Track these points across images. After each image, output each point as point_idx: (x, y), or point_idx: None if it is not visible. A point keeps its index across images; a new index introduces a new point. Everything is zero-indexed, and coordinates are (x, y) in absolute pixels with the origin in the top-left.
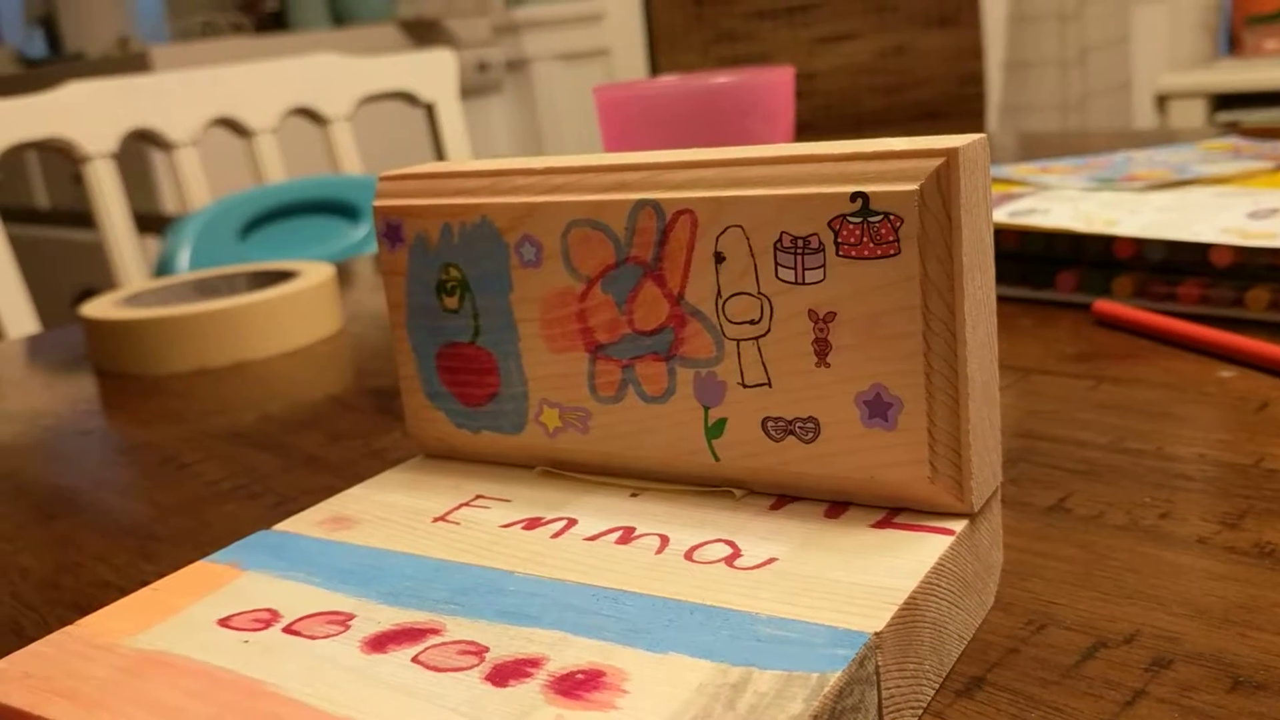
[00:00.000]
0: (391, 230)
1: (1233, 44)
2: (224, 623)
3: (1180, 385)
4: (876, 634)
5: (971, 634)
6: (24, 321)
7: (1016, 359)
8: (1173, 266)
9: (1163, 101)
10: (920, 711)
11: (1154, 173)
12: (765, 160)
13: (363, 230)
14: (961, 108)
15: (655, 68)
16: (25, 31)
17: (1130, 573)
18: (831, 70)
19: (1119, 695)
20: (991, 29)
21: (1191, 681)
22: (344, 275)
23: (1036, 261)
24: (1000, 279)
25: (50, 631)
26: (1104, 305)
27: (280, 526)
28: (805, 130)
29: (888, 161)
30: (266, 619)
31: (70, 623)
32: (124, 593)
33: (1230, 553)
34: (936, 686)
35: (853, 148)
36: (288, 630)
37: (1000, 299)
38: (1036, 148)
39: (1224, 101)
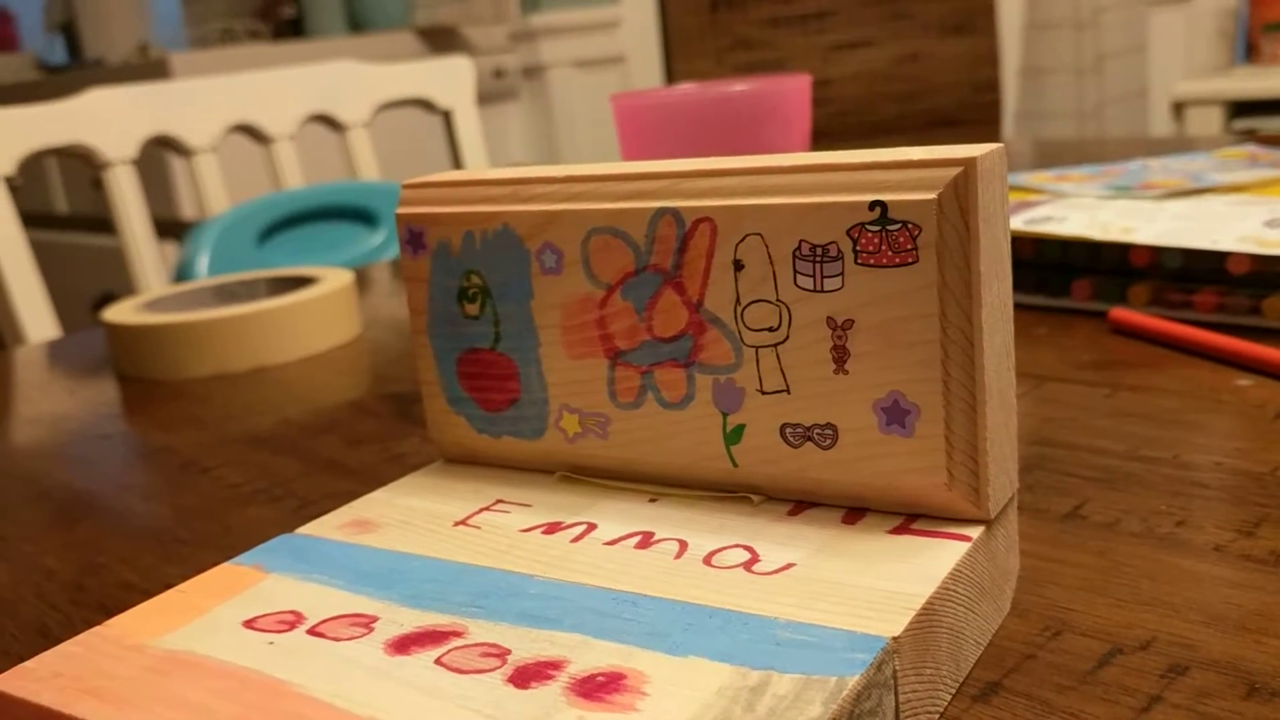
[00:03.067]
0: (414, 237)
1: (1249, 51)
2: (249, 624)
3: (1196, 393)
4: (894, 639)
5: (988, 640)
6: (45, 326)
7: (1032, 367)
8: (1189, 275)
9: (1179, 109)
10: (937, 716)
11: (1170, 181)
12: (784, 169)
13: (380, 236)
14: (977, 115)
15: (670, 74)
16: (45, 38)
17: (1146, 580)
18: (846, 77)
19: (1135, 701)
20: (1007, 36)
21: (1207, 688)
22: (362, 281)
23: (1052, 269)
24: (1016, 287)
25: (76, 632)
26: (1120, 313)
27: (303, 530)
28: (820, 137)
29: (906, 171)
30: (291, 621)
31: (96, 624)
32: (148, 595)
33: (1246, 560)
34: (953, 692)
35: (871, 157)
36: (312, 632)
37: (1016, 307)
38: (1052, 155)
39: (1241, 109)
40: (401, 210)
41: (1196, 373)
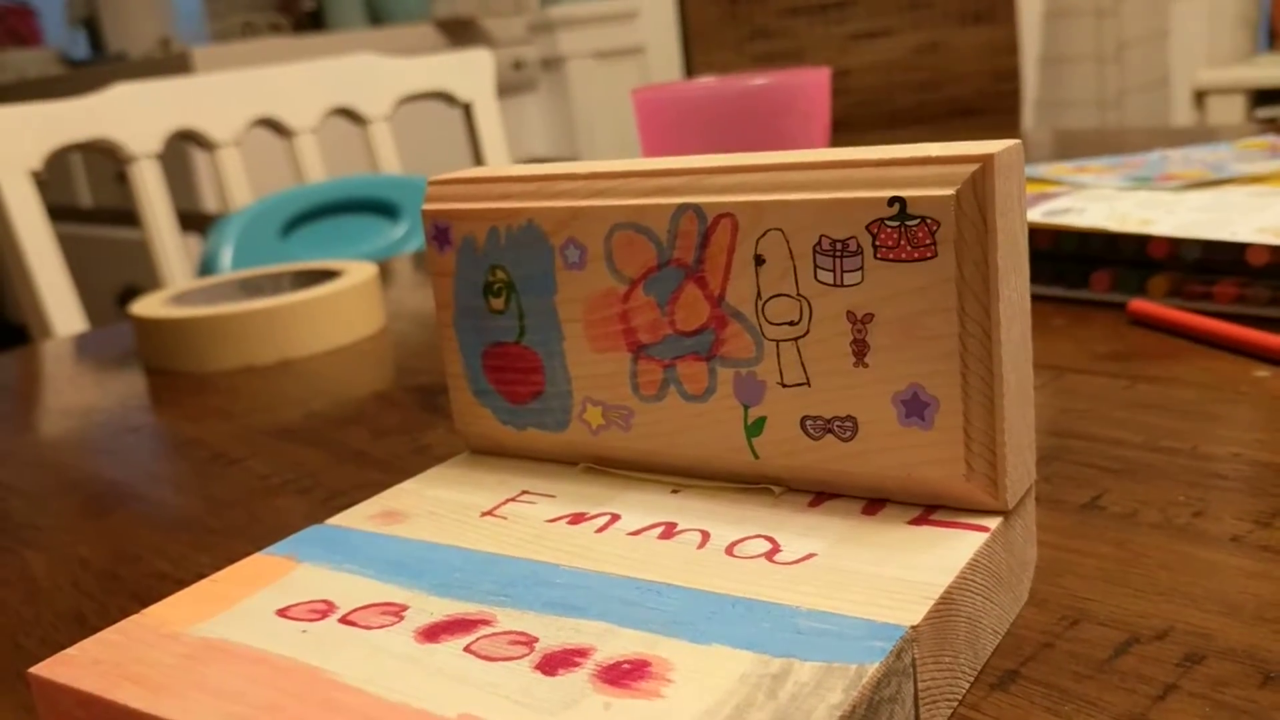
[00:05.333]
0: (440, 233)
1: (1272, 39)
2: (282, 613)
3: (1215, 385)
4: (913, 627)
5: (1006, 629)
6: (72, 320)
7: (1051, 358)
8: (1209, 266)
9: (1201, 97)
10: (956, 703)
11: (1190, 172)
12: (805, 165)
13: (402, 229)
14: (997, 104)
15: (689, 65)
16: (68, 33)
17: (1164, 570)
18: (865, 67)
19: (1151, 690)
20: (1027, 24)
21: (1223, 677)
22: (385, 274)
23: (1071, 261)
24: (1035, 278)
25: (111, 621)
26: (1139, 305)
27: (333, 521)
28: (839, 128)
29: (925, 167)
30: (323, 610)
31: (130, 612)
32: (181, 584)
33: (1264, 551)
34: (971, 680)
35: (890, 153)
36: (344, 620)
37: (1035, 298)
38: (1072, 145)
39: (1263, 97)
40: (428, 206)
41: (1216, 364)
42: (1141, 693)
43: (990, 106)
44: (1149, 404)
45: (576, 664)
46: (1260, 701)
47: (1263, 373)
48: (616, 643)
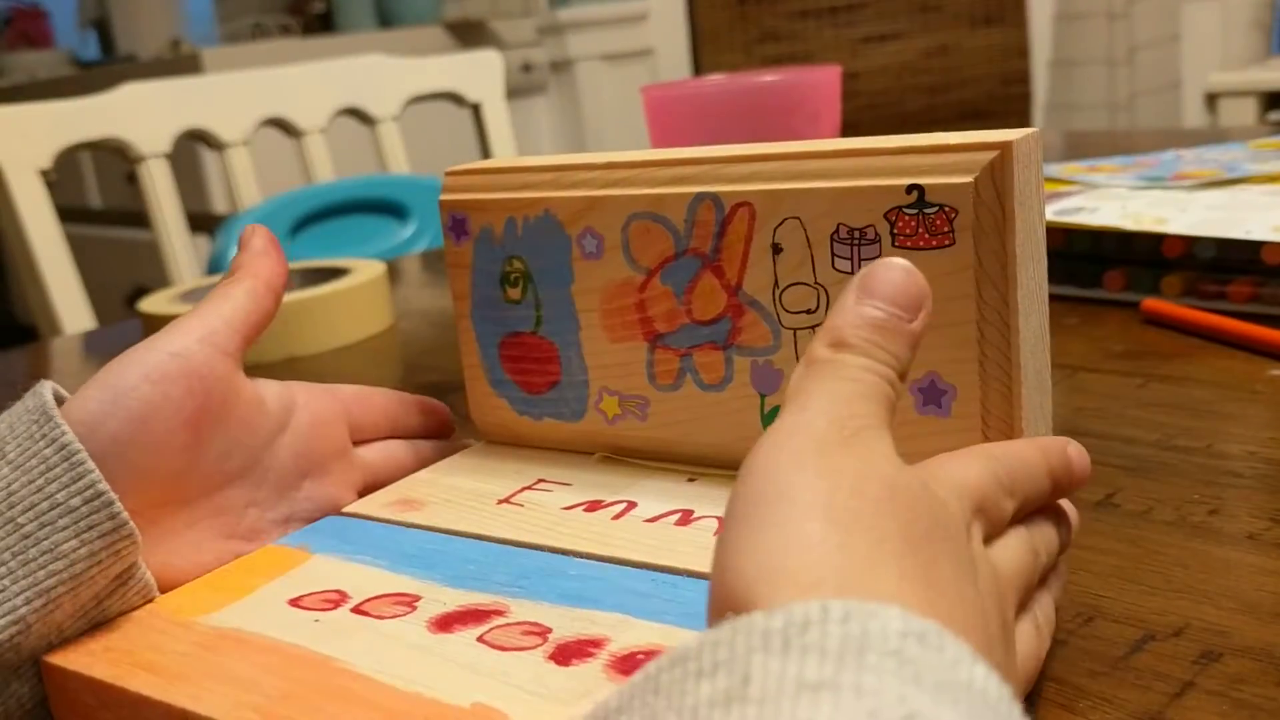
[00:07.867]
0: (457, 224)
1: None
2: (295, 603)
3: (1230, 383)
4: None
5: None
6: (81, 319)
7: (1065, 357)
8: (1223, 265)
9: (1213, 100)
10: None
11: (1203, 171)
12: (822, 154)
13: (410, 229)
14: (1007, 107)
15: (699, 68)
16: (79, 34)
17: (1179, 568)
18: (876, 70)
19: (1168, 687)
20: (1038, 27)
21: (1240, 674)
22: (393, 273)
23: (1084, 260)
24: (1048, 277)
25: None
26: (1153, 303)
27: (350, 509)
28: (849, 130)
29: (943, 155)
30: (336, 599)
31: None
32: None
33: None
34: None
35: (908, 141)
36: (357, 610)
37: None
38: (1083, 147)
39: (1275, 100)
40: (445, 197)
41: (1230, 363)
42: (1158, 690)
43: (1001, 109)
44: (1163, 402)
45: (590, 654)
46: (1278, 699)
47: (1277, 371)
48: (631, 634)
